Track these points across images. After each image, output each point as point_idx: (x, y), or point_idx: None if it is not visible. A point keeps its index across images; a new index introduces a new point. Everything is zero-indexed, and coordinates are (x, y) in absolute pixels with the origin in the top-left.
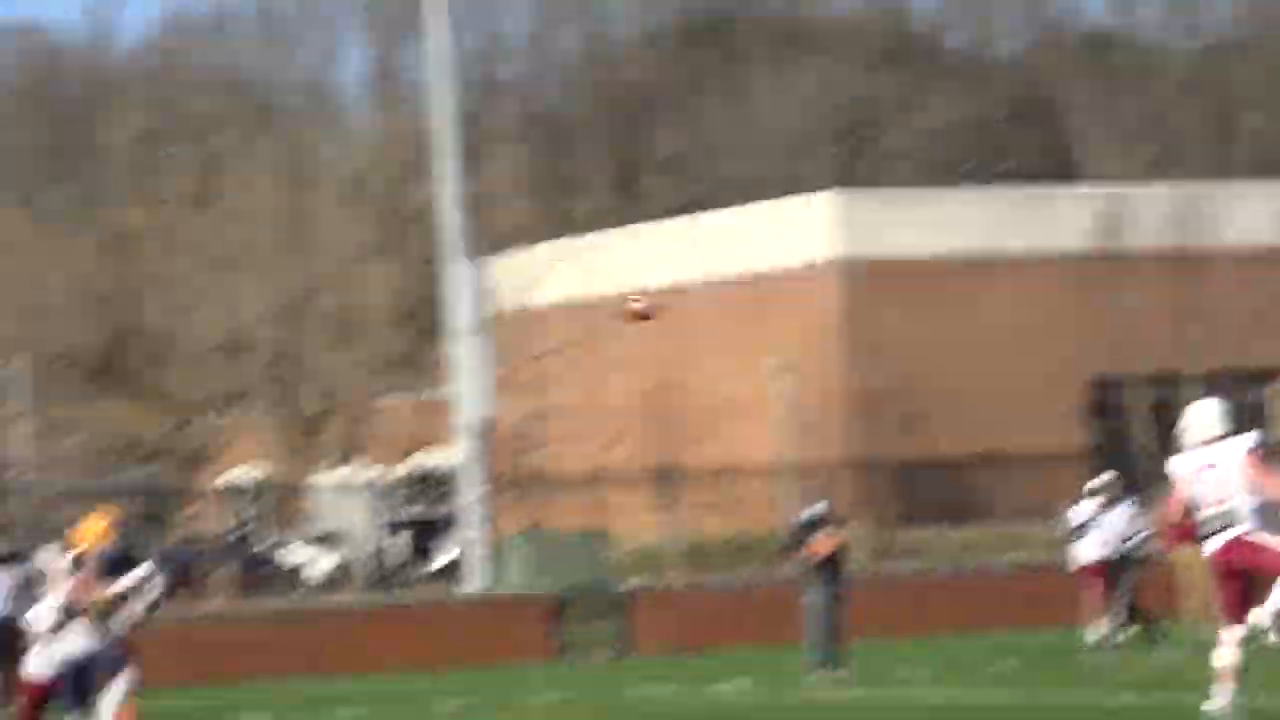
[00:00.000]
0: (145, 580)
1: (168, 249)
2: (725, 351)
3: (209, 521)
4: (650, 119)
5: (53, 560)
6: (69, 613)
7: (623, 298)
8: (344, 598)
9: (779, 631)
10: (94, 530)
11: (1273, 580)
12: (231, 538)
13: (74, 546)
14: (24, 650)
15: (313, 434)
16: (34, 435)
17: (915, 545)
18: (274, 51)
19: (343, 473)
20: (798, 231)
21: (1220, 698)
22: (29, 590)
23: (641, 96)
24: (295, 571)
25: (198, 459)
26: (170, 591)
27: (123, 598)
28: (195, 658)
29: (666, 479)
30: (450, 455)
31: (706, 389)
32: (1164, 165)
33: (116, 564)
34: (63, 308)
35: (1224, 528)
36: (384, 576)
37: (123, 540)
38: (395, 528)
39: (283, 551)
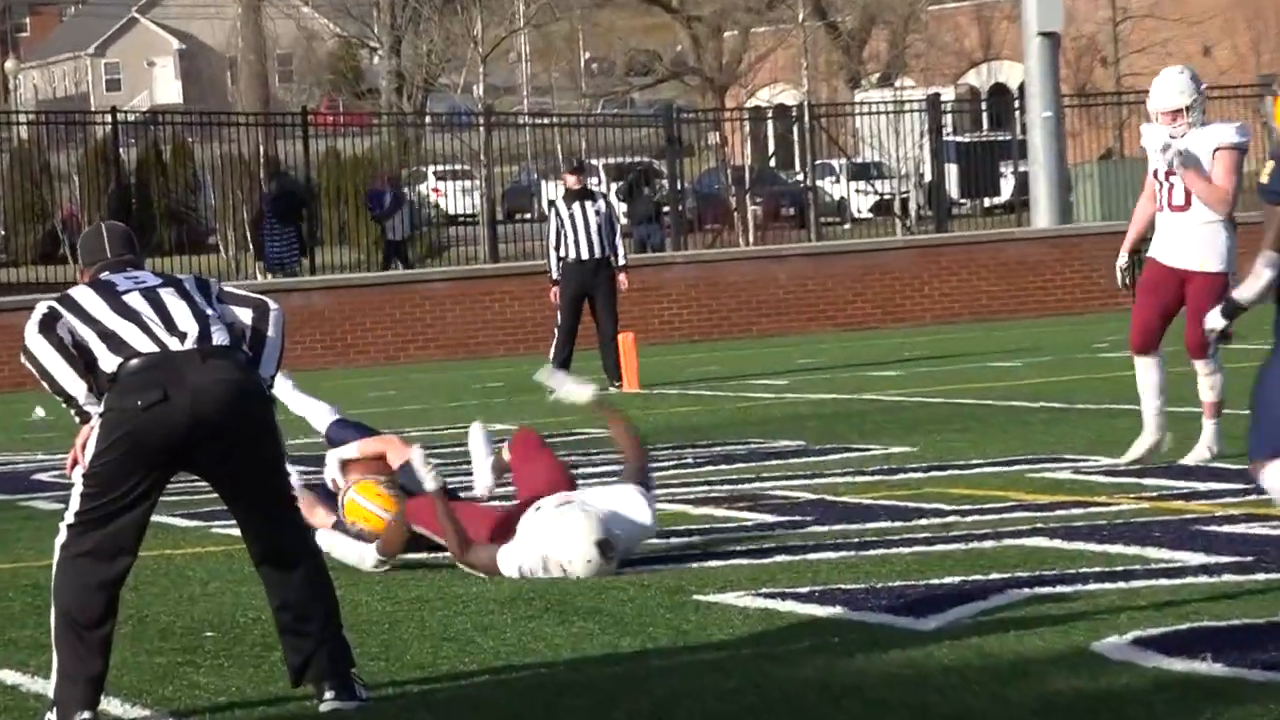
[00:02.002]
0: None
1: None
2: None
3: (737, 148)
4: None
5: None
6: None
7: None
8: (892, 236)
9: None
10: None
11: None
12: (761, 167)
13: None
14: None
15: (855, 48)
16: (533, 53)
17: None
18: None
19: (889, 92)
20: None
21: None
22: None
23: None
24: (838, 206)
25: (725, 79)
26: (697, 226)
27: None
28: (718, 309)
29: (1267, 94)
30: (1015, 70)
31: None
32: None
33: None
34: None
35: None
36: (937, 211)
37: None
38: (950, 155)
39: (822, 183)
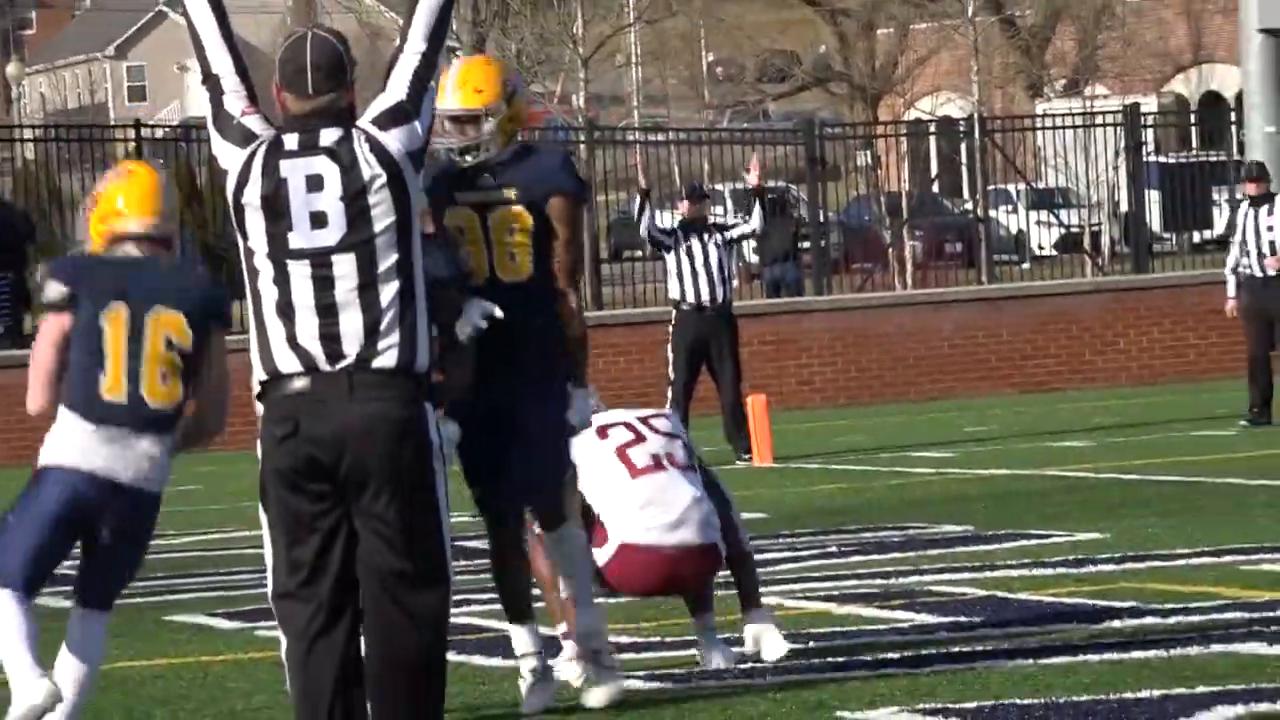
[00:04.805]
0: None
1: None
2: None
3: (892, 170)
4: None
5: None
6: None
7: None
8: (1081, 278)
9: None
10: None
11: None
12: (921, 194)
13: None
14: None
15: (1037, 49)
16: (645, 55)
17: None
18: None
19: (1078, 103)
20: None
21: None
22: None
23: None
24: (1015, 241)
25: (878, 86)
26: (843, 266)
27: None
28: (868, 366)
29: None
30: (1232, 76)
31: None
32: None
33: None
34: None
35: None
36: (1135, 247)
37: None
38: (1152, 179)
39: (995, 214)
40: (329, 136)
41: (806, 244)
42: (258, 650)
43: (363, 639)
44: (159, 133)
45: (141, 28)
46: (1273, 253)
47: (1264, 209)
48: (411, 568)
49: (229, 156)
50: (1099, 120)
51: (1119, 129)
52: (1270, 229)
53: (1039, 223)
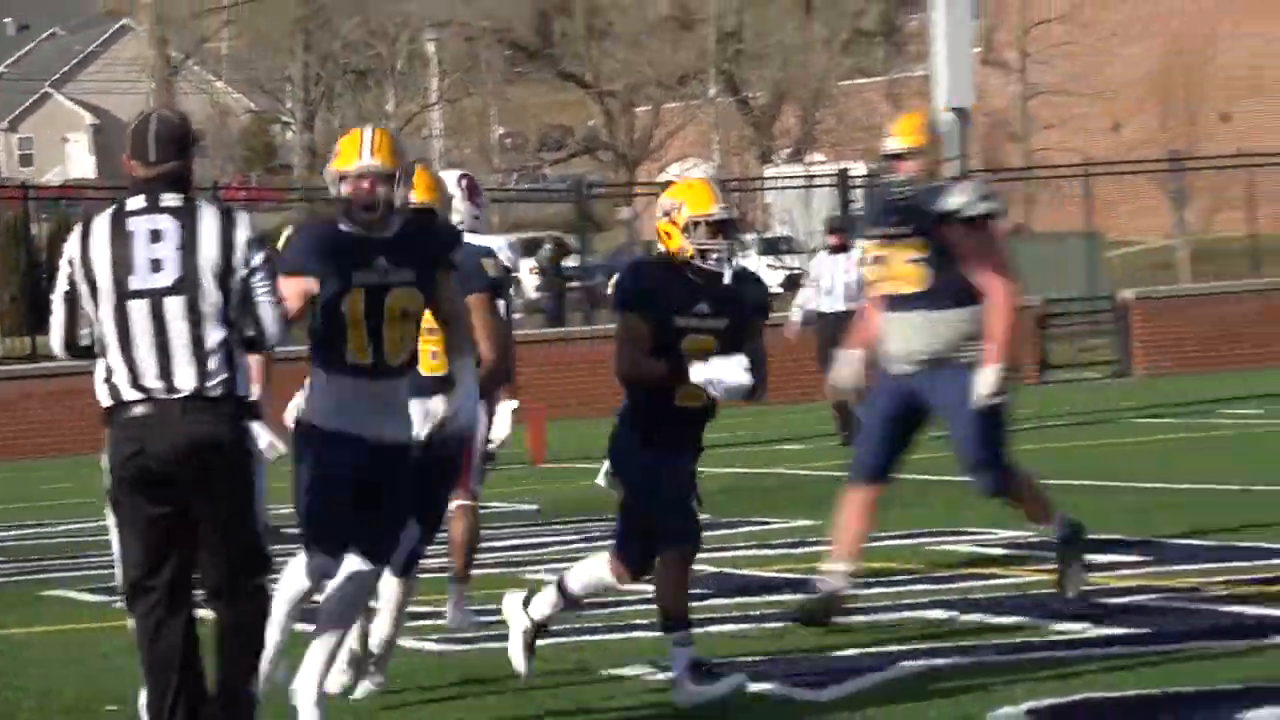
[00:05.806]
0: None
1: None
2: (1254, 17)
3: (647, 222)
4: None
5: None
6: None
7: None
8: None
9: None
10: None
11: None
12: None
13: None
14: None
15: (766, 124)
16: (446, 129)
17: None
18: None
19: (800, 168)
20: None
21: None
22: None
23: None
24: None
25: (636, 154)
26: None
27: None
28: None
29: (1176, 170)
30: None
31: (1228, 64)
32: None
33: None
34: None
35: None
36: (848, 288)
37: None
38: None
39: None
40: (170, 199)
41: (576, 283)
42: (115, 619)
43: (211, 613)
44: (45, 193)
45: (31, 105)
46: (848, 295)
47: (843, 257)
48: (239, 554)
49: (69, 252)
50: (816, 182)
51: (833, 189)
52: (847, 272)
53: (768, 266)
